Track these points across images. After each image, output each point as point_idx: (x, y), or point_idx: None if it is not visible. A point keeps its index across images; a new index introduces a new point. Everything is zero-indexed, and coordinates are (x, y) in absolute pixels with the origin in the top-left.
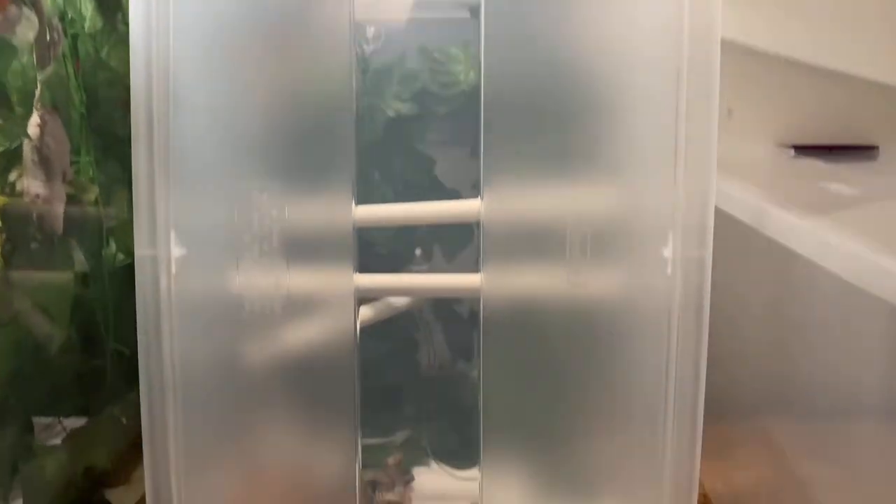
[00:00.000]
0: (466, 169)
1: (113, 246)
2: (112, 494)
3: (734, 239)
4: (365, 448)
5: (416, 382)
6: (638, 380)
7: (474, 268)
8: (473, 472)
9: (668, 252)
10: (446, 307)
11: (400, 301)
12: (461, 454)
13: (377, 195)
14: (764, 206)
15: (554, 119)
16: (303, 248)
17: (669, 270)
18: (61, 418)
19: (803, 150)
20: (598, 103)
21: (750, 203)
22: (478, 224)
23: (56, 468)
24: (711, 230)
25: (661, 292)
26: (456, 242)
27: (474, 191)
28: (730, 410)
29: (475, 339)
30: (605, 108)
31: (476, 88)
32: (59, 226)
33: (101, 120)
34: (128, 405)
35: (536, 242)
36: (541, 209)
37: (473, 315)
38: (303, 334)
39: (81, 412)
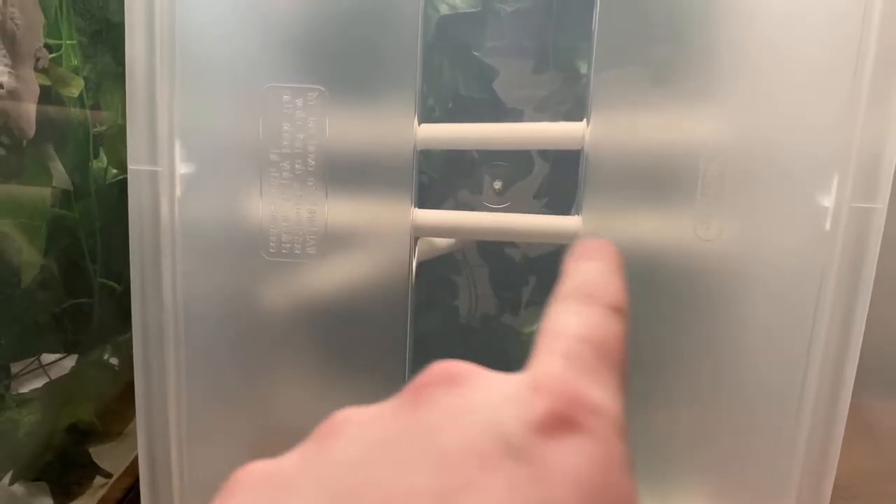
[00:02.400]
0: (529, 84)
1: (104, 158)
2: (99, 452)
3: None
4: None
5: (453, 333)
6: (771, 357)
7: (531, 204)
8: None
9: (828, 201)
10: (495, 248)
11: (443, 240)
12: None
13: (421, 111)
14: None
15: (685, 19)
16: (348, 173)
17: (828, 225)
18: (41, 365)
19: None
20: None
21: None
22: (580, 153)
23: (32, 423)
24: (891, 175)
25: (814, 252)
26: (510, 172)
27: (538, 112)
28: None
29: (526, 289)
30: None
31: None
32: (31, 126)
33: None
34: (120, 346)
35: (656, 181)
36: (664, 138)
37: (528, 260)
38: (341, 278)
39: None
